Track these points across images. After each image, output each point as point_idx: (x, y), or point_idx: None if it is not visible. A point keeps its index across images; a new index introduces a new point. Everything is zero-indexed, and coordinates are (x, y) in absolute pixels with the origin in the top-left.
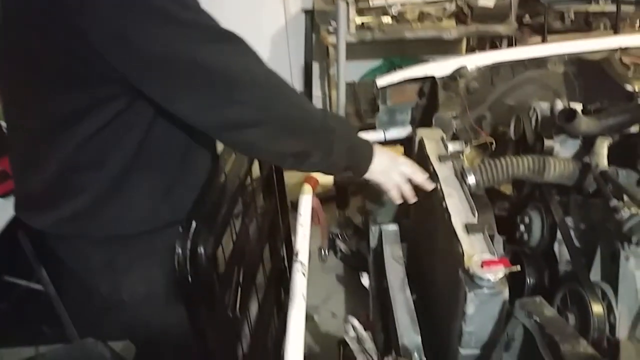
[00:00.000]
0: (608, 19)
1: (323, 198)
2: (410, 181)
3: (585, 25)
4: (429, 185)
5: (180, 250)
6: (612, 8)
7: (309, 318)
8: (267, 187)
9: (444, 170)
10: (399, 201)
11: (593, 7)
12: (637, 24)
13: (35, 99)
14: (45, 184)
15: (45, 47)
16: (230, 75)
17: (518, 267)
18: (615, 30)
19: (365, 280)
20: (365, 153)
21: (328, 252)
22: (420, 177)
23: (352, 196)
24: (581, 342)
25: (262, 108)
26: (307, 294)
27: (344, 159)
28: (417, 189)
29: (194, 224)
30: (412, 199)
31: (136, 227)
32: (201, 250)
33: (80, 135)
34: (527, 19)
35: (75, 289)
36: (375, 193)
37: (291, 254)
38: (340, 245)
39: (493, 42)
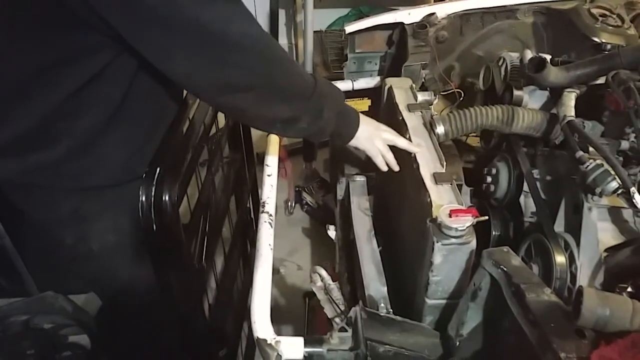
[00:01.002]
0: None
1: (290, 150)
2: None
3: None
4: (414, 149)
5: (144, 198)
6: None
7: (274, 271)
8: (233, 136)
9: (412, 120)
10: (384, 168)
11: None
12: None
13: (12, 46)
14: (13, 135)
15: None
16: (229, 37)
17: (486, 217)
18: None
19: (331, 232)
20: (352, 120)
21: (294, 205)
22: (404, 143)
23: (319, 149)
24: (546, 291)
25: (257, 73)
26: (273, 246)
27: (332, 125)
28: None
29: (158, 170)
30: (395, 166)
31: (107, 180)
32: (166, 197)
33: (62, 87)
34: None
35: (35, 240)
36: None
37: (257, 205)
38: (307, 197)
39: None
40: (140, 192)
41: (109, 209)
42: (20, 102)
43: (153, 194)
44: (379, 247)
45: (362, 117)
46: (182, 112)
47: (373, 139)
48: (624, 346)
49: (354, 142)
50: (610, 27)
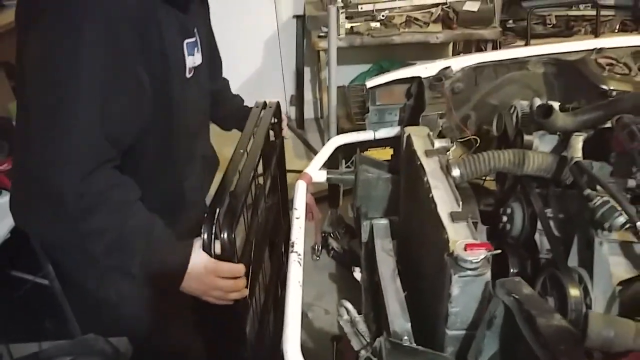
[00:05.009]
0: (589, 24)
1: (317, 198)
2: None
3: (566, 29)
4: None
5: (205, 236)
6: (592, 13)
7: (302, 315)
8: (272, 184)
9: (430, 164)
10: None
11: (574, 12)
12: (617, 28)
13: None
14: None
15: None
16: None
17: (499, 251)
18: (596, 34)
19: (357, 274)
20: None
21: (321, 250)
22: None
23: (344, 196)
24: (555, 316)
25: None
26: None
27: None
28: (407, 184)
29: (218, 209)
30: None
31: None
32: (224, 235)
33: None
34: (510, 23)
35: (74, 284)
36: (365, 190)
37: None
38: (333, 243)
39: (479, 46)
40: (203, 229)
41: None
42: None
43: (213, 232)
44: (404, 290)
45: (194, 274)
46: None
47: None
48: None
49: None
50: (618, 75)
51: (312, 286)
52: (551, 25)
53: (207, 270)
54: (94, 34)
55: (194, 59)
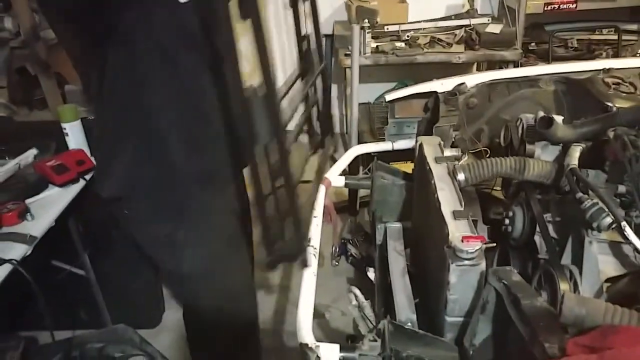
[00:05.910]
0: (610, 48)
1: (337, 208)
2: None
3: (588, 52)
4: None
5: None
6: (614, 37)
7: (320, 315)
8: None
9: (438, 170)
10: None
11: (596, 36)
12: (638, 52)
13: None
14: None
15: None
16: None
17: (494, 243)
18: (617, 57)
19: (371, 274)
20: None
21: (339, 256)
22: None
23: (361, 206)
24: (538, 299)
25: None
26: (319, 294)
27: None
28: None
29: None
30: None
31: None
32: None
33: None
34: (533, 45)
35: (116, 275)
36: (381, 195)
37: None
38: (352, 249)
39: (501, 67)
40: None
41: (197, 233)
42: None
43: None
44: (415, 293)
45: None
46: None
47: None
48: (594, 335)
49: None
50: (624, 94)
51: (330, 289)
52: (573, 49)
53: None
54: None
55: None
